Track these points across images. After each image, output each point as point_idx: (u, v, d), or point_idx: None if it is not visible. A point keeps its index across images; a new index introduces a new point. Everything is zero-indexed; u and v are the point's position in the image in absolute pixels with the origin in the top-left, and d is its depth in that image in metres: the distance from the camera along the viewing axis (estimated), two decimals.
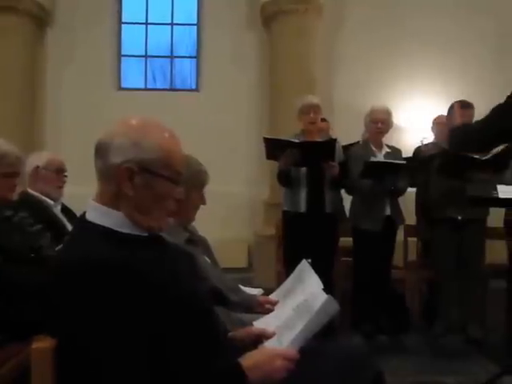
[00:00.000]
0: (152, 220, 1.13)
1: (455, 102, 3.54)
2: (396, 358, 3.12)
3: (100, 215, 1.10)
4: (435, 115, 4.32)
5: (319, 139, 3.44)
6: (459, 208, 3.36)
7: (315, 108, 3.45)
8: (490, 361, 3.01)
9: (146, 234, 1.13)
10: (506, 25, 6.05)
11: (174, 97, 6.10)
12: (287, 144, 3.32)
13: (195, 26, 6.27)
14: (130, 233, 1.10)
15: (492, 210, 3.48)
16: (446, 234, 3.49)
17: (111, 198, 1.10)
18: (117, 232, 1.09)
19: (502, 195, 2.46)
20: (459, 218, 3.42)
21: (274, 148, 3.40)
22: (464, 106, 3.47)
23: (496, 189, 2.49)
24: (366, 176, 3.39)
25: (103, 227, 1.08)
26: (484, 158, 3.11)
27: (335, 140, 3.38)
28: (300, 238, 3.37)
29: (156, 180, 1.11)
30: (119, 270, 0.99)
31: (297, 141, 3.33)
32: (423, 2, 5.94)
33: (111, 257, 1.01)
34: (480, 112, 3.47)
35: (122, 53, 6.23)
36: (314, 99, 3.52)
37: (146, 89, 6.31)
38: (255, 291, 1.94)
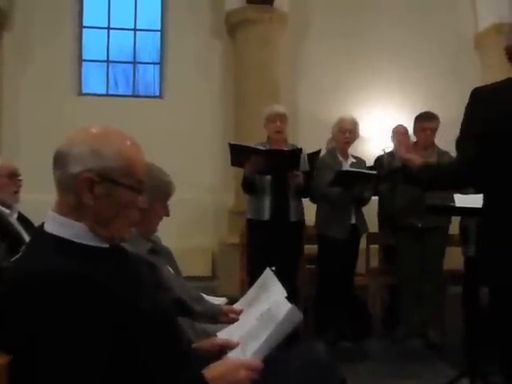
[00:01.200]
0: (114, 230, 1.10)
1: (416, 115, 3.64)
2: (359, 364, 3.17)
3: (59, 226, 1.06)
4: (395, 125, 4.44)
5: (285, 148, 3.47)
6: (419, 216, 3.46)
7: (281, 117, 3.48)
8: (448, 364, 3.10)
9: (107, 246, 1.11)
10: (464, 37, 6.30)
11: (136, 103, 6.03)
12: (252, 151, 3.33)
13: (159, 32, 6.23)
14: (90, 244, 1.07)
15: (453, 218, 3.60)
16: (408, 241, 3.59)
17: (71, 208, 1.07)
18: (77, 243, 1.06)
19: (458, 204, 2.55)
20: (419, 225, 3.52)
21: (239, 155, 3.40)
22: (427, 117, 3.58)
23: (453, 198, 2.58)
24: (337, 184, 3.44)
25: (62, 239, 1.05)
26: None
27: (300, 150, 3.41)
28: (264, 246, 3.37)
29: (117, 189, 1.08)
30: (78, 283, 0.96)
31: (262, 148, 3.35)
32: (387, 11, 6.09)
33: (70, 269, 0.98)
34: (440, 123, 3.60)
35: (83, 57, 6.11)
36: (280, 108, 3.56)
37: (107, 95, 6.20)
38: (219, 300, 1.92)
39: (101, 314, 0.96)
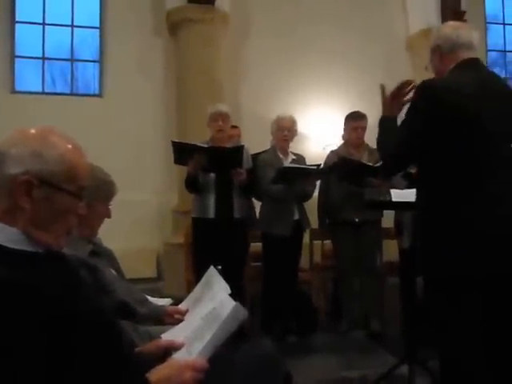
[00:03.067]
0: (50, 237, 1.06)
1: (347, 115, 3.80)
2: (305, 358, 3.24)
3: None
4: (336, 124, 4.55)
5: (227, 146, 3.48)
6: (356, 211, 3.58)
7: (224, 116, 3.50)
8: (389, 353, 3.23)
9: (43, 251, 1.07)
10: (396, 38, 6.56)
11: (75, 102, 5.83)
12: (195, 149, 3.33)
13: (98, 30, 6.05)
14: (25, 249, 1.03)
15: (386, 212, 3.75)
16: (346, 235, 3.71)
17: (5, 211, 1.02)
18: (10, 249, 1.01)
19: (394, 199, 2.66)
20: (356, 220, 3.65)
21: (182, 153, 3.39)
22: (358, 117, 3.73)
23: (390, 193, 2.69)
24: (279, 181, 3.50)
25: None
26: (375, 165, 3.36)
27: (242, 147, 3.44)
28: (210, 244, 3.38)
29: (57, 194, 1.05)
30: (12, 290, 0.92)
31: (204, 146, 3.35)
32: (326, 12, 6.22)
33: (3, 276, 0.94)
34: (371, 122, 3.74)
35: (16, 53, 5.83)
36: (223, 107, 3.57)
37: (43, 93, 5.96)
38: (164, 301, 1.91)
39: (34, 322, 0.92)
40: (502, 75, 7.42)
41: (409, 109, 1.78)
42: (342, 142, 4.16)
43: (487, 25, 7.34)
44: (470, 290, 1.64)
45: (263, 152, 3.91)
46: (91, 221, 1.67)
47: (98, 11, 6.05)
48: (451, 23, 1.92)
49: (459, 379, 1.70)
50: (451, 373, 1.72)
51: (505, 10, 7.62)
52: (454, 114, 1.66)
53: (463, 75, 1.75)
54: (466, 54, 1.79)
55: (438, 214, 1.71)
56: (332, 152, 4.08)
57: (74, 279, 1.10)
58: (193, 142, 3.43)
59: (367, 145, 3.80)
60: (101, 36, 6.03)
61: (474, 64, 1.78)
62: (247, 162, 3.52)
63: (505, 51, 7.66)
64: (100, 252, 1.76)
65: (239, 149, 3.39)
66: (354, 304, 3.75)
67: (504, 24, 7.64)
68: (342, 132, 4.43)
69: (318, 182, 3.88)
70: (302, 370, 2.89)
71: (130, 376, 1.07)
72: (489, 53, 7.31)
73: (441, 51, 1.84)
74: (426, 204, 1.78)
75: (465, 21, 5.80)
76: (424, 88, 1.74)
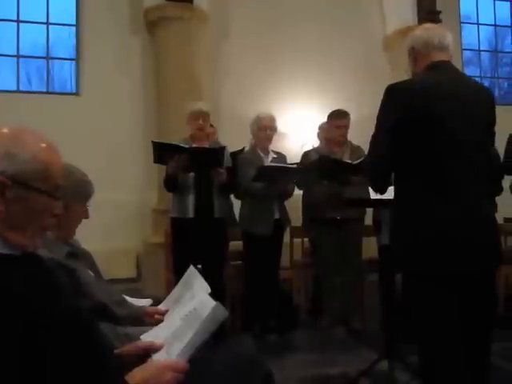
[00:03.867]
0: (26, 238, 1.04)
1: (329, 114, 3.82)
2: (286, 356, 3.25)
3: None
4: (315, 122, 4.56)
5: (207, 145, 3.47)
6: (338, 209, 3.61)
7: (204, 115, 3.49)
8: (369, 349, 3.25)
9: (18, 253, 1.04)
10: (374, 38, 6.63)
11: (51, 100, 5.74)
12: (176, 149, 3.31)
13: (74, 27, 5.96)
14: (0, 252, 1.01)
15: (368, 209, 3.78)
16: (327, 233, 3.73)
17: None
18: None
19: (373, 196, 2.67)
20: (338, 218, 3.68)
21: (162, 152, 3.36)
22: (341, 115, 3.75)
23: (369, 191, 2.71)
24: (260, 180, 3.50)
25: None
26: (355, 163, 3.39)
27: (224, 147, 3.43)
28: (189, 244, 3.36)
29: (32, 194, 1.03)
30: None
31: (186, 146, 3.33)
32: (306, 11, 6.26)
33: None
34: (351, 120, 3.78)
35: None
36: (203, 106, 3.56)
37: (18, 91, 5.85)
38: (144, 302, 1.89)
39: (14, 323, 0.90)
40: (477, 74, 7.57)
41: (378, 112, 1.81)
42: (317, 140, 4.18)
43: (462, 24, 7.47)
44: (441, 286, 1.68)
45: (241, 150, 3.91)
46: (68, 222, 1.64)
47: (75, 8, 5.96)
48: (426, 25, 1.94)
49: (437, 373, 1.73)
50: (429, 367, 1.75)
51: (479, 10, 7.77)
52: (417, 116, 1.69)
53: (430, 78, 1.77)
54: (438, 56, 1.81)
55: (406, 213, 1.76)
56: (310, 150, 4.10)
57: (51, 281, 1.08)
58: (174, 142, 3.40)
59: (350, 142, 3.82)
60: (77, 34, 5.95)
61: (444, 66, 1.81)
62: (227, 162, 3.52)
63: (479, 50, 7.81)
64: (77, 254, 1.73)
65: (221, 150, 3.38)
66: (335, 301, 3.78)
67: (478, 24, 7.79)
68: (317, 130, 4.49)
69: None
70: (283, 368, 2.90)
71: (108, 378, 1.05)
72: (463, 52, 7.44)
73: (415, 53, 1.87)
74: (396, 202, 1.83)
75: (440, 20, 5.90)
76: (388, 91, 1.78)
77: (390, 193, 1.94)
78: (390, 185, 1.90)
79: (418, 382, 2.49)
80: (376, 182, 1.93)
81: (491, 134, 1.86)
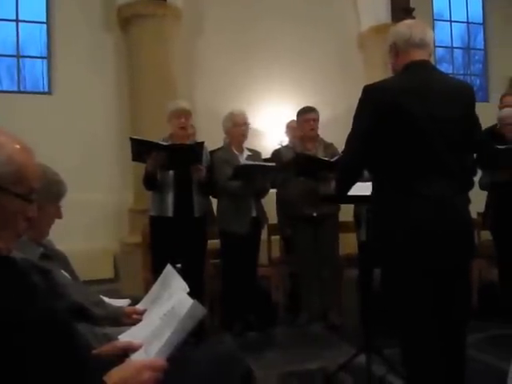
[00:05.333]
0: (0, 242, 1.02)
1: (298, 111, 3.86)
2: (266, 352, 3.27)
3: None
4: (289, 119, 4.59)
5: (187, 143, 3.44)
6: (313, 206, 3.63)
7: (187, 113, 3.47)
8: (348, 343, 3.30)
9: None
10: (348, 36, 6.69)
11: (23, 99, 5.61)
12: (154, 146, 3.27)
13: (45, 25, 5.84)
14: None
15: (345, 206, 3.82)
16: (304, 230, 3.76)
17: None
18: None
19: (351, 192, 2.69)
20: (314, 214, 3.70)
21: (140, 150, 3.30)
22: (308, 109, 3.80)
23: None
24: (237, 178, 3.49)
25: None
26: (332, 160, 3.41)
27: (203, 143, 3.40)
28: (168, 243, 3.33)
29: (5, 197, 1.00)
30: None
31: (164, 143, 3.30)
32: (280, 8, 6.26)
33: None
34: (325, 118, 3.82)
35: None
36: (185, 104, 3.53)
37: None
38: (122, 302, 1.87)
39: None
40: (450, 71, 7.71)
41: (355, 111, 1.83)
42: (287, 138, 4.18)
43: (435, 22, 7.59)
44: (418, 280, 1.73)
45: (218, 149, 3.90)
46: (41, 222, 1.60)
47: (45, 5, 5.83)
48: (407, 21, 1.95)
49: (416, 364, 1.77)
50: (408, 358, 1.79)
51: (451, 8, 7.91)
52: (392, 115, 1.72)
53: (408, 77, 1.80)
54: (417, 53, 1.84)
55: (382, 211, 1.80)
56: (280, 148, 4.12)
57: (25, 282, 1.06)
58: (154, 140, 3.36)
59: (322, 139, 3.86)
60: (48, 31, 5.83)
61: (422, 66, 1.83)
62: (206, 159, 3.50)
63: (452, 47, 7.96)
64: (51, 255, 1.70)
65: (200, 145, 3.36)
66: (314, 297, 3.81)
67: (451, 21, 7.94)
68: (284, 129, 4.53)
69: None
70: (263, 365, 2.92)
71: (86, 378, 1.04)
72: (436, 49, 7.57)
73: (396, 49, 1.89)
74: (373, 200, 1.87)
75: (414, 18, 5.98)
76: (365, 91, 1.82)
77: (367, 189, 1.96)
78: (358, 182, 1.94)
79: (394, 374, 2.55)
80: (345, 182, 1.96)
81: (476, 129, 1.90)
